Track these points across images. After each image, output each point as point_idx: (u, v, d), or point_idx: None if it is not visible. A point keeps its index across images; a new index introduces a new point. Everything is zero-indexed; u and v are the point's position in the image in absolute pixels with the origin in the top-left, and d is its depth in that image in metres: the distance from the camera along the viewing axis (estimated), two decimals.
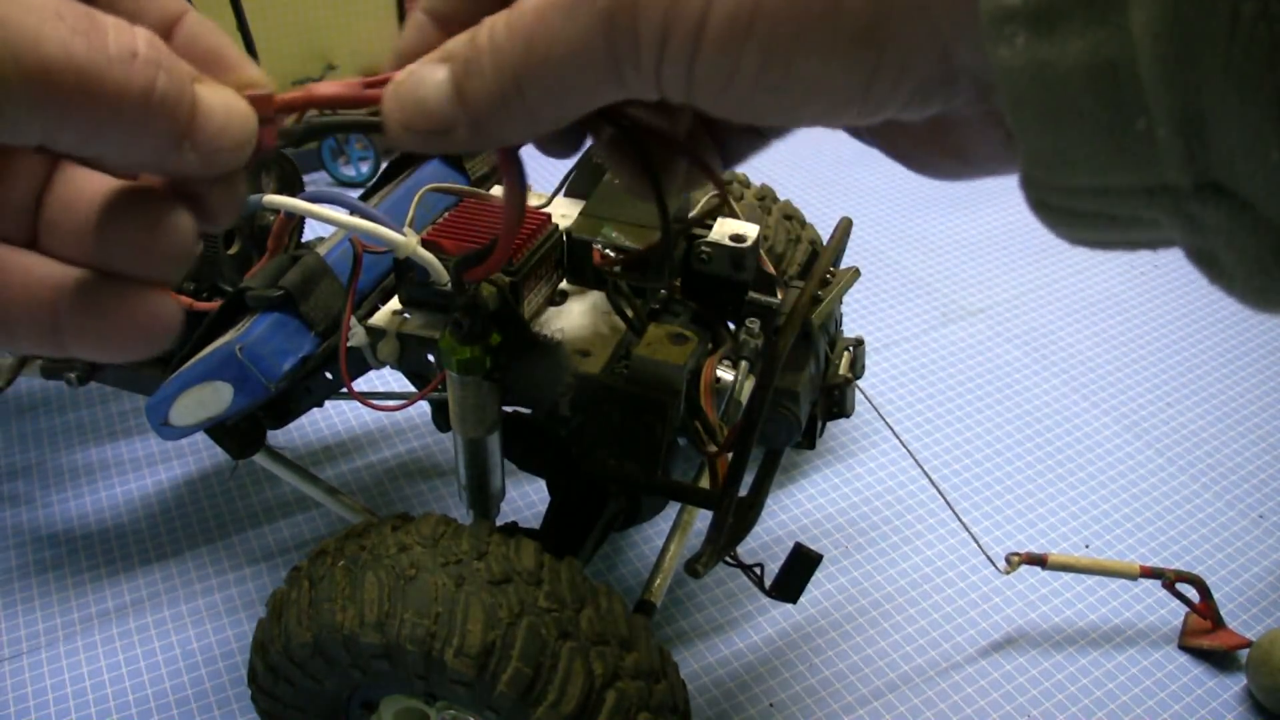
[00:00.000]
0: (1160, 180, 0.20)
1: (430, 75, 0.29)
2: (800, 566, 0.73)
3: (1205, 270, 0.21)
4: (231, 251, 0.71)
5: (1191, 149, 0.19)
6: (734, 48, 0.24)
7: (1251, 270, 0.20)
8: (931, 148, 0.28)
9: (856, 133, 0.29)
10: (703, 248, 0.71)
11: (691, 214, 0.74)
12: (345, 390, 0.72)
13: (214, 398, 0.71)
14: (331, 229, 0.72)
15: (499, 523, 0.73)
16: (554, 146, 0.33)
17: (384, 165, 0.90)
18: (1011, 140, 0.24)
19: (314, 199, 0.65)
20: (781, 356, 0.67)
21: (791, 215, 1.06)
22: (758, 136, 0.34)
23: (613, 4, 0.25)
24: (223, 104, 0.29)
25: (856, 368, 0.84)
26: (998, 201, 1.77)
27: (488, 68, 0.27)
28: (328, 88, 0.31)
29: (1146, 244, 0.23)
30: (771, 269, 0.79)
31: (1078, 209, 0.22)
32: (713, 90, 0.25)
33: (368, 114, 0.31)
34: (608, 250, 0.70)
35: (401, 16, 1.90)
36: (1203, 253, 0.21)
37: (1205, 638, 1.00)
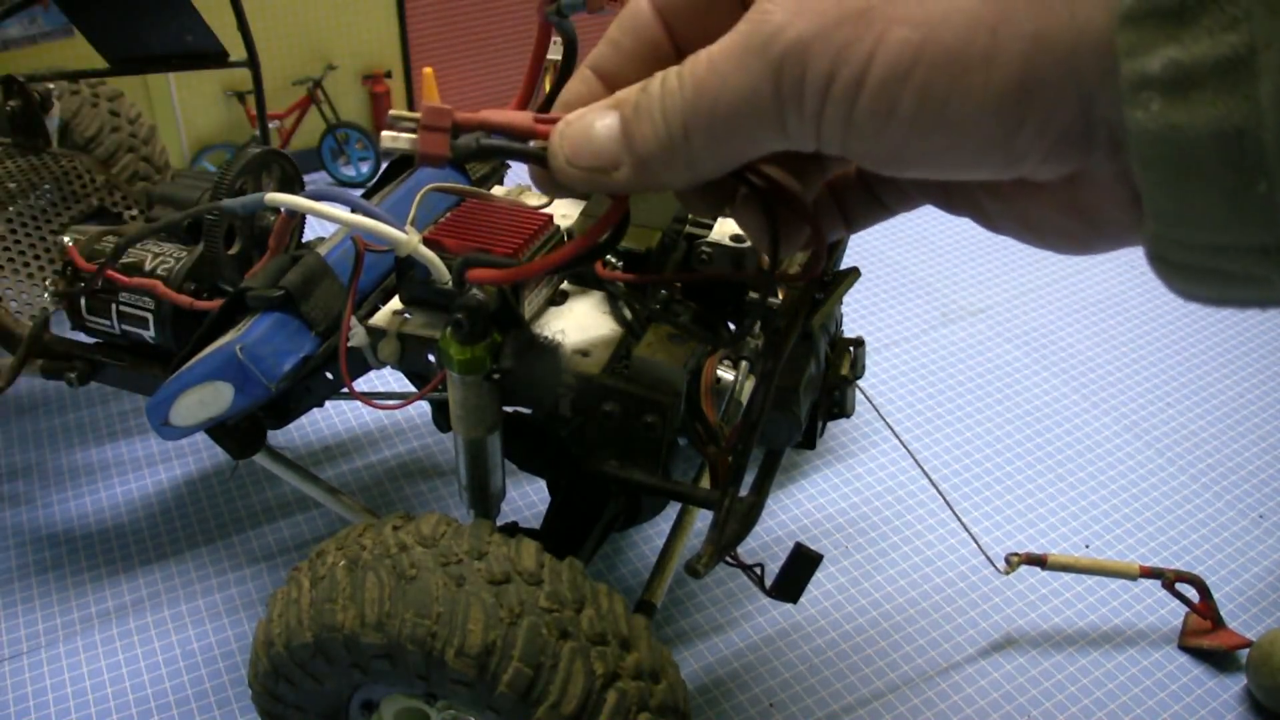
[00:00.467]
0: (1276, 240, 0.21)
1: (600, 118, 0.32)
2: (800, 566, 0.73)
3: None
4: (232, 251, 0.71)
5: None
6: (893, 90, 0.25)
7: None
8: (1063, 210, 0.29)
9: (990, 220, 0.31)
10: (703, 248, 0.71)
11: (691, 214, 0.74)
12: (346, 390, 0.72)
13: (215, 398, 0.71)
14: (332, 229, 0.72)
15: (499, 523, 0.73)
16: (700, 203, 0.35)
17: (384, 166, 0.90)
18: (1137, 199, 0.26)
19: (316, 197, 0.65)
20: (783, 357, 0.67)
21: None
22: (881, 208, 0.36)
23: (784, 52, 0.27)
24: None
25: (857, 368, 0.84)
26: None
27: (657, 112, 0.30)
28: (501, 116, 0.34)
29: (1259, 302, 0.24)
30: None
31: (1195, 264, 0.24)
32: (868, 134, 0.27)
33: (536, 147, 0.33)
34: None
35: (402, 18, 1.90)
36: None
37: (1205, 638, 1.00)
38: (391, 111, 0.36)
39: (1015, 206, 0.31)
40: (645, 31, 0.34)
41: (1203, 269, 0.24)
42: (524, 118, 0.34)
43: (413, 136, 0.35)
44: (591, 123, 0.32)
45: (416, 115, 0.35)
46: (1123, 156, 0.26)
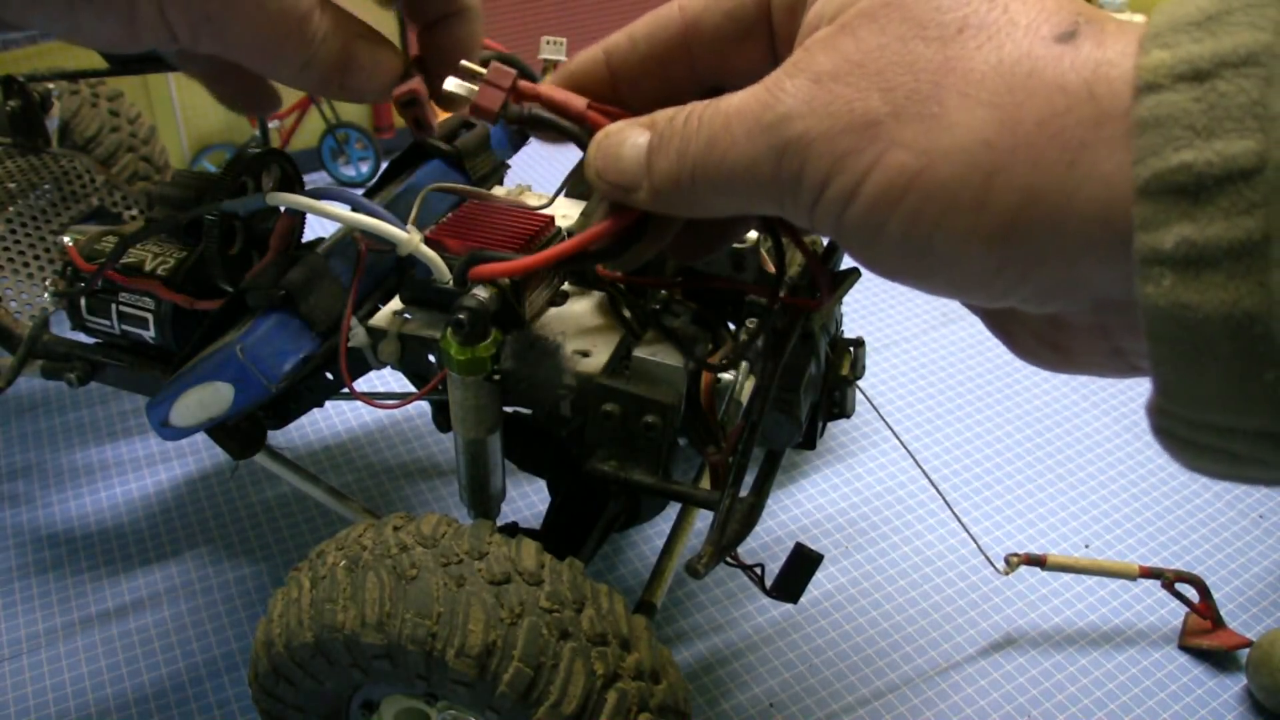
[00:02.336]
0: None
1: (632, 138, 0.33)
2: (800, 566, 0.73)
3: None
4: (233, 252, 0.71)
5: None
6: (884, 211, 0.26)
7: None
8: (1040, 340, 0.30)
9: (971, 306, 0.32)
10: None
11: None
12: (346, 390, 0.72)
13: (215, 398, 0.71)
14: (332, 229, 0.72)
15: (500, 523, 0.73)
16: (682, 252, 0.39)
17: (384, 165, 0.90)
18: (1118, 358, 0.27)
19: (317, 197, 0.65)
20: (782, 358, 0.67)
21: None
22: None
23: (786, 144, 0.27)
24: (371, 60, 0.44)
25: (857, 368, 0.84)
26: None
27: (674, 151, 0.31)
28: (559, 93, 0.37)
29: (1267, 482, 0.24)
30: (772, 269, 0.79)
31: (1201, 442, 0.23)
32: (857, 241, 0.28)
33: (581, 131, 0.36)
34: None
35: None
36: None
37: (1205, 638, 1.00)
38: (463, 62, 0.40)
39: (996, 317, 0.31)
40: (668, 44, 0.35)
41: (1209, 447, 0.23)
42: (579, 102, 0.36)
43: (472, 88, 0.38)
44: (624, 140, 0.33)
45: (482, 70, 0.38)
46: (1105, 314, 0.26)
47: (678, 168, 0.31)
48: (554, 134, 0.37)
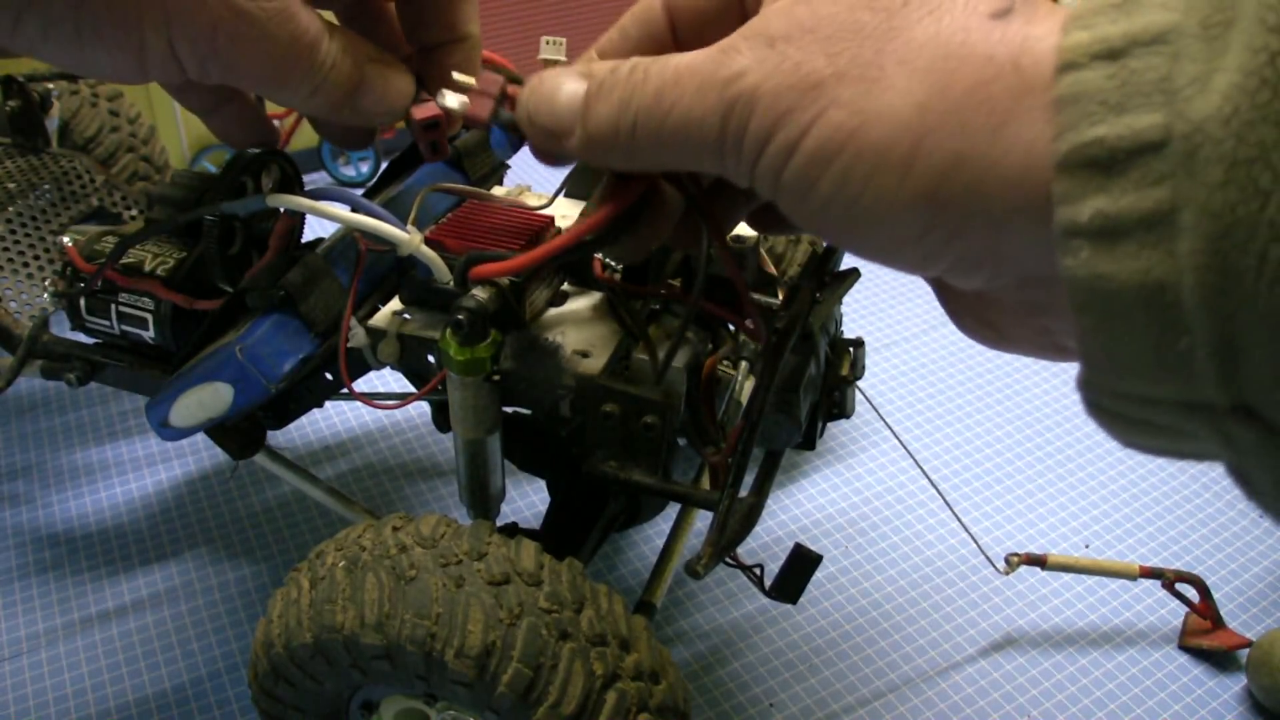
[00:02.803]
0: (1199, 398, 0.22)
1: (568, 85, 0.34)
2: (800, 567, 0.73)
3: (1241, 486, 0.23)
4: (232, 252, 0.71)
5: (1226, 372, 0.21)
6: (819, 167, 0.27)
7: (1275, 492, 0.22)
8: (975, 317, 0.31)
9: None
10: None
11: None
12: (345, 390, 0.72)
13: (214, 399, 0.71)
14: (332, 229, 0.72)
15: (499, 523, 0.73)
16: (621, 250, 0.40)
17: (384, 165, 0.90)
18: (1044, 336, 0.28)
19: (316, 197, 0.65)
20: (782, 358, 0.67)
21: None
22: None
23: (736, 96, 0.28)
24: (383, 84, 0.45)
25: (856, 368, 0.84)
26: None
27: (616, 98, 0.32)
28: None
29: (1193, 455, 0.24)
30: (772, 269, 0.79)
31: (1128, 414, 0.24)
32: (793, 198, 0.28)
33: None
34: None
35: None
36: (1239, 469, 0.23)
37: (1205, 638, 1.00)
38: (455, 74, 0.42)
39: (941, 288, 0.32)
40: (653, 25, 0.36)
41: (1135, 419, 0.24)
42: None
43: (463, 99, 0.40)
44: (559, 85, 0.34)
45: (472, 81, 0.41)
46: (1029, 291, 0.27)
47: (618, 116, 0.31)
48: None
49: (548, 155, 0.37)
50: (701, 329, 0.69)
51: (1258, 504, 0.23)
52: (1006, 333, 0.30)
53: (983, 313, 0.30)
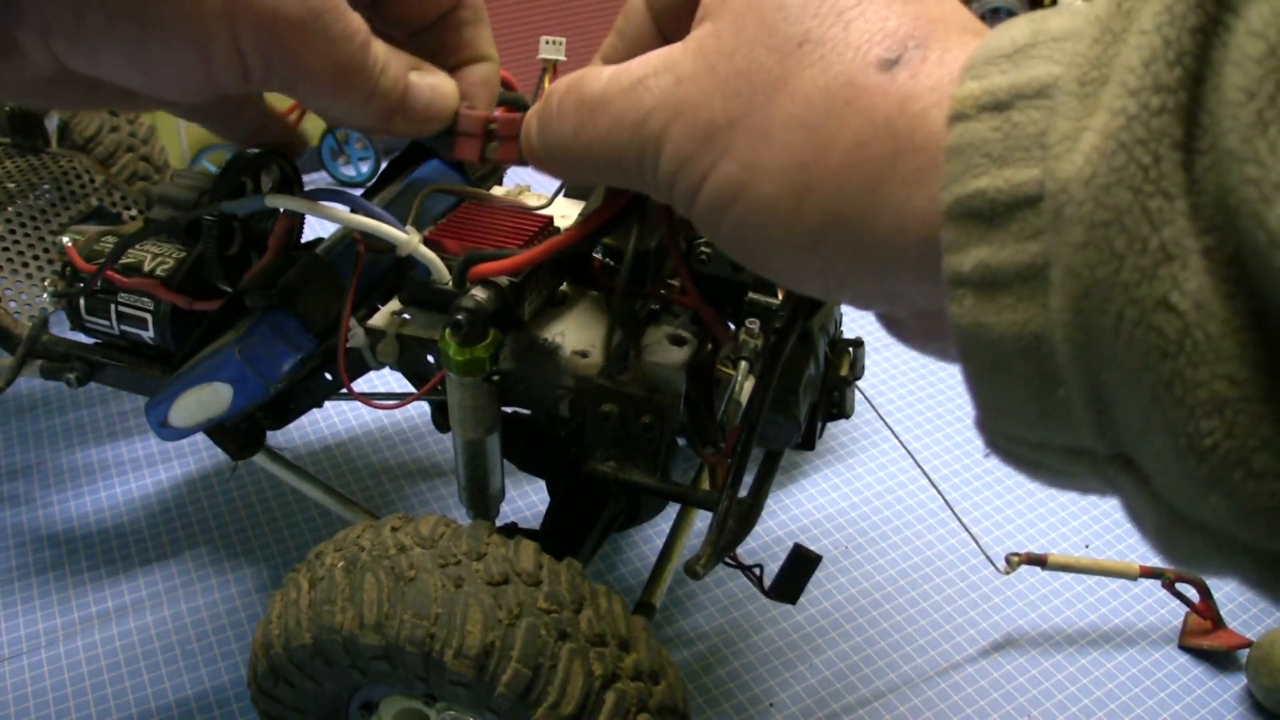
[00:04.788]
0: (1080, 445, 0.22)
1: (532, 123, 0.36)
2: (800, 567, 0.73)
3: (1133, 524, 0.23)
4: (231, 252, 0.71)
5: (1101, 423, 0.21)
6: (717, 215, 0.29)
7: (1156, 537, 0.22)
8: (891, 326, 0.33)
9: None
10: (702, 249, 0.71)
11: None
12: (345, 391, 0.72)
13: (213, 399, 0.71)
14: (331, 229, 0.72)
15: (499, 524, 0.73)
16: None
17: (383, 165, 0.90)
18: (949, 356, 0.29)
19: (316, 197, 0.65)
20: (781, 358, 0.67)
21: None
22: None
23: (645, 141, 0.30)
24: (430, 88, 0.45)
25: (856, 368, 0.84)
26: None
27: (549, 129, 0.34)
28: (512, 116, 0.44)
29: (1100, 493, 0.24)
30: None
31: (1023, 457, 0.24)
32: (704, 231, 0.31)
33: None
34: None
35: None
36: (1128, 510, 0.23)
37: (1205, 638, 1.00)
38: (461, 111, 0.46)
39: None
40: (639, 23, 0.37)
41: (1028, 460, 0.24)
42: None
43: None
44: (535, 112, 0.36)
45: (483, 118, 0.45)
46: (926, 321, 0.28)
47: (550, 147, 0.34)
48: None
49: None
50: (701, 329, 0.69)
51: (1147, 541, 0.23)
52: (920, 348, 0.31)
53: (893, 328, 0.32)
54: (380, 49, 0.43)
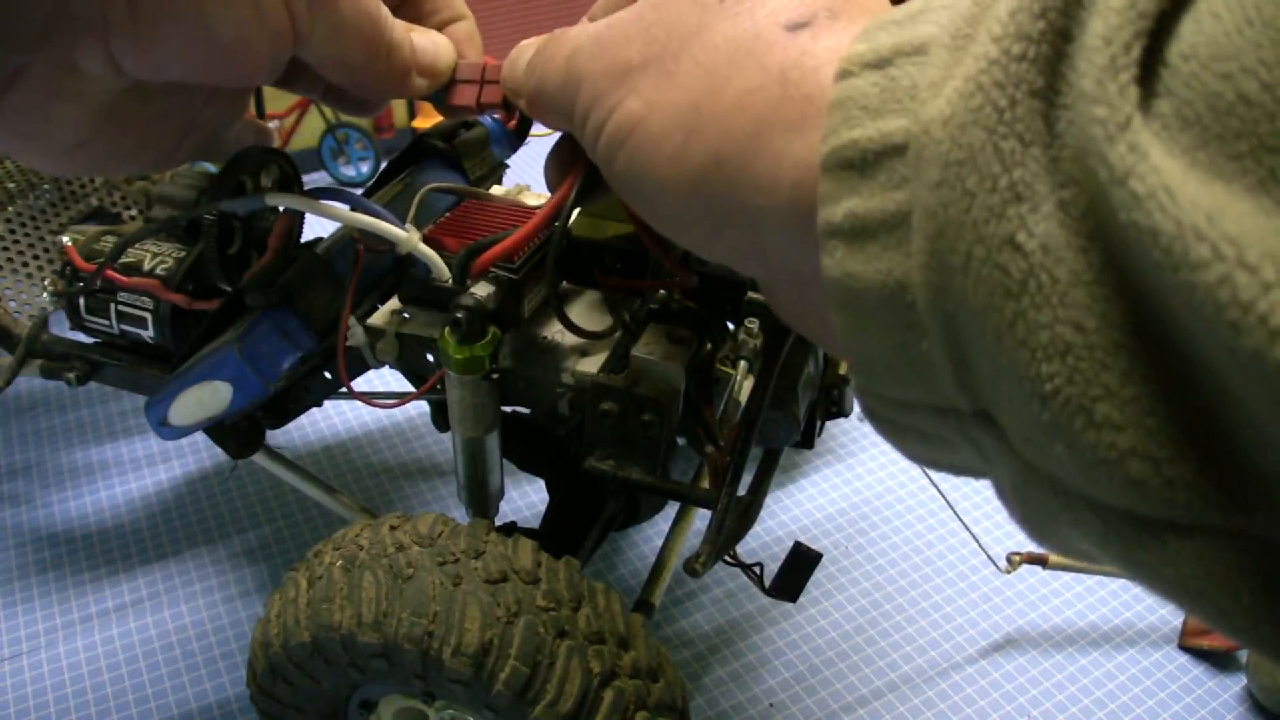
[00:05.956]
0: (945, 402, 0.22)
1: (527, 52, 0.37)
2: (800, 565, 0.73)
3: (999, 498, 0.23)
4: (231, 251, 0.71)
5: (959, 373, 0.21)
6: (614, 149, 0.30)
7: (1014, 498, 0.22)
8: (772, 302, 0.33)
9: None
10: None
11: None
12: (344, 390, 0.72)
13: (213, 398, 0.71)
14: (331, 228, 0.72)
15: (498, 522, 0.73)
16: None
17: (383, 165, 0.90)
18: (828, 337, 0.29)
19: (316, 196, 0.65)
20: (780, 357, 0.67)
21: None
22: None
23: (569, 76, 0.32)
24: (431, 43, 0.46)
25: None
26: None
27: (536, 64, 0.35)
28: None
29: (967, 468, 0.24)
30: None
31: (895, 420, 0.24)
32: (603, 169, 0.31)
33: None
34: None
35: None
36: (990, 476, 0.23)
37: (1205, 638, 1.00)
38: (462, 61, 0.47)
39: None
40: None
41: (902, 426, 0.24)
42: None
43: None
44: (524, 51, 0.38)
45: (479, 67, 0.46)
46: (802, 289, 0.28)
47: (530, 81, 0.35)
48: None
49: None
50: (701, 328, 0.69)
51: (1009, 512, 0.23)
52: (802, 323, 0.31)
53: (778, 301, 0.32)
54: (384, 8, 0.44)
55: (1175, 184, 0.16)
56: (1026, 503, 0.21)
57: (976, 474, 0.24)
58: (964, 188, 0.19)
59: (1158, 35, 0.17)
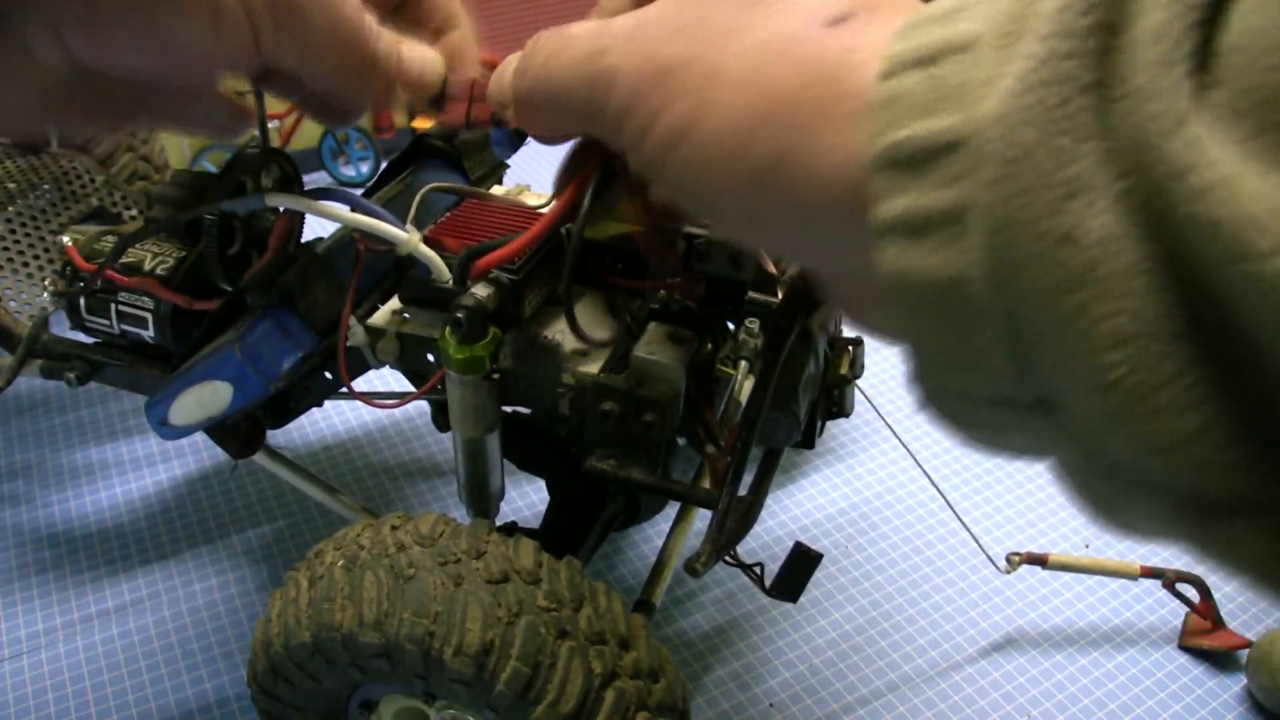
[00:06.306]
0: (1002, 392, 0.22)
1: (508, 67, 0.37)
2: (800, 565, 0.73)
3: (1059, 482, 0.23)
4: (231, 251, 0.71)
5: (1019, 366, 0.21)
6: (665, 153, 0.29)
7: (1080, 487, 0.22)
8: (833, 295, 0.32)
9: None
10: (699, 244, 0.71)
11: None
12: (345, 390, 0.72)
13: (213, 397, 0.71)
14: (331, 229, 0.72)
15: (499, 522, 0.73)
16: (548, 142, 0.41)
17: (383, 165, 0.90)
18: (882, 328, 0.29)
19: (316, 196, 0.65)
20: (781, 357, 0.67)
21: None
22: None
23: (597, 76, 0.31)
24: (419, 57, 0.45)
25: (856, 366, 0.84)
26: None
27: (525, 68, 0.34)
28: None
29: (1019, 452, 0.25)
30: (772, 268, 0.79)
31: (952, 410, 0.25)
32: (650, 172, 0.31)
33: None
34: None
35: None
36: (1053, 465, 0.23)
37: (1205, 638, 1.00)
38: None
39: None
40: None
41: (957, 414, 0.25)
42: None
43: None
44: (509, 63, 0.37)
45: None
46: (860, 284, 0.28)
47: (524, 84, 0.34)
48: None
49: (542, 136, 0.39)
50: (701, 328, 0.69)
51: (1071, 497, 0.23)
52: (860, 314, 0.31)
53: (836, 292, 0.32)
54: (371, 18, 0.44)
55: (1234, 176, 0.16)
56: (1090, 489, 0.22)
57: (1036, 458, 0.24)
58: (1021, 185, 0.20)
59: (1208, 26, 0.18)
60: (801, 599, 0.77)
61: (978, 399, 0.23)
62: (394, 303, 0.72)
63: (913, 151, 0.22)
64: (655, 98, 0.29)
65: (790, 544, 0.72)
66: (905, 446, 1.04)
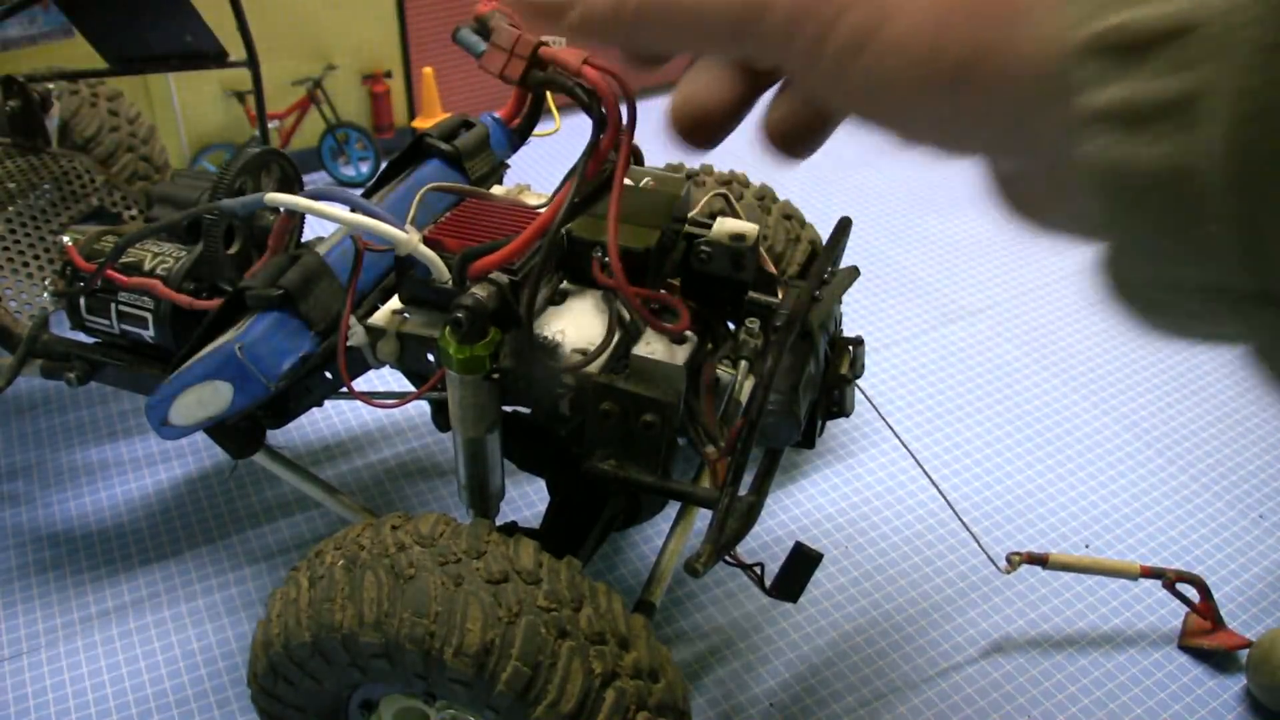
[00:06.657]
0: (1222, 282, 0.22)
1: None
2: (800, 566, 0.73)
3: (1260, 373, 0.23)
4: (231, 251, 0.71)
5: (1252, 258, 0.21)
6: (845, 64, 0.27)
7: None
8: (1011, 196, 0.31)
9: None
10: (702, 247, 0.71)
11: (691, 213, 0.74)
12: (345, 389, 0.72)
13: (214, 397, 0.71)
14: (331, 229, 0.72)
15: (499, 522, 0.73)
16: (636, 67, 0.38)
17: (383, 165, 0.90)
18: (1077, 221, 0.28)
19: (316, 197, 0.65)
20: (781, 357, 0.67)
21: (791, 215, 1.06)
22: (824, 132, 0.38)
23: None
24: None
25: (856, 367, 0.84)
26: None
27: None
28: (563, 53, 0.43)
29: (1219, 339, 0.24)
30: (772, 268, 0.79)
31: (1149, 298, 0.24)
32: (825, 84, 0.29)
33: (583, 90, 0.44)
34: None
35: (402, 17, 1.90)
36: (1260, 354, 0.23)
37: (1205, 638, 1.00)
38: (483, 10, 0.45)
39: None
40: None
41: (1159, 302, 0.24)
42: (576, 59, 0.42)
43: (481, 43, 0.45)
44: None
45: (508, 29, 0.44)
46: (1059, 174, 0.27)
47: None
48: (564, 94, 0.40)
49: (694, 137, 0.34)
50: (701, 328, 0.69)
51: (1267, 385, 0.23)
52: (1042, 214, 0.30)
53: (1019, 193, 0.30)
54: None
55: None
56: None
57: (1231, 344, 0.24)
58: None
59: None
60: (801, 599, 0.77)
61: (1189, 289, 0.23)
62: (394, 303, 0.72)
63: (1131, 36, 0.22)
64: (828, 7, 0.27)
65: (790, 544, 0.72)
66: (905, 447, 1.04)
